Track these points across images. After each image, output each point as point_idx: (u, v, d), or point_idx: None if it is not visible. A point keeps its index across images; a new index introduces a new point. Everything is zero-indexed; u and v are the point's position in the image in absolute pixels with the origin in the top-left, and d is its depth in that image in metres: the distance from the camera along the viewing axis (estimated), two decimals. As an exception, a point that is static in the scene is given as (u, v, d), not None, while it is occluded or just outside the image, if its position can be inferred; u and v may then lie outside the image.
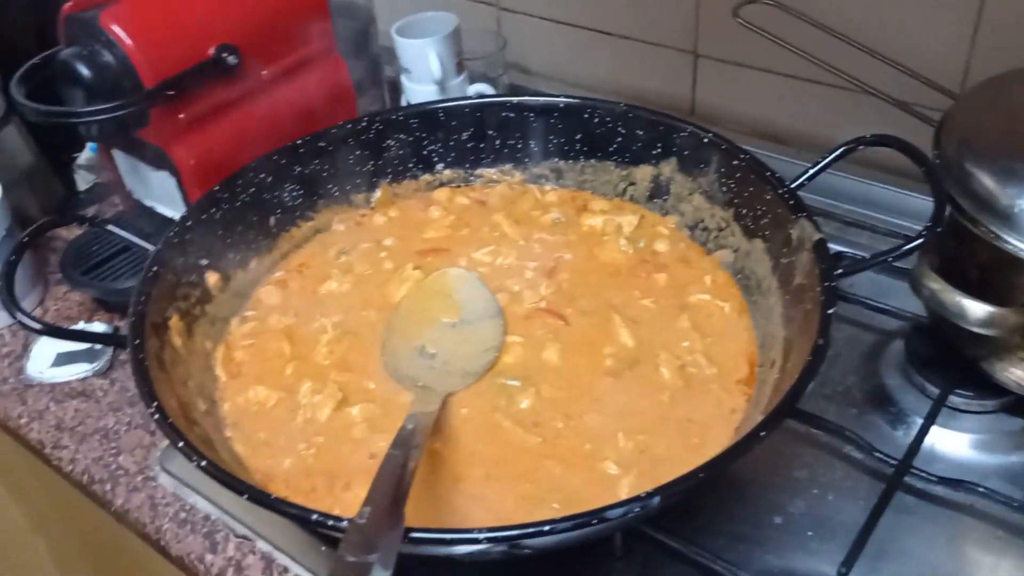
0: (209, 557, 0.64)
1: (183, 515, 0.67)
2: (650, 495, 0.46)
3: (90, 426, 0.75)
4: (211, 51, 0.75)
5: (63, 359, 0.81)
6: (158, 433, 0.74)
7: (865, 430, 0.65)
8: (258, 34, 0.79)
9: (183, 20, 0.75)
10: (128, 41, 0.71)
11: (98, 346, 0.81)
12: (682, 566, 0.59)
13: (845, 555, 0.57)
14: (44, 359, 0.81)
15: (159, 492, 0.69)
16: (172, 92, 0.74)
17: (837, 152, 0.63)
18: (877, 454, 0.63)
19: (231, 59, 0.76)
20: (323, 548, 0.63)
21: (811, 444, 0.67)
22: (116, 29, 0.71)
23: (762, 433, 0.49)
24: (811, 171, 0.64)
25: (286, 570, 0.63)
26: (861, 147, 0.63)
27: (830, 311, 0.54)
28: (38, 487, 0.95)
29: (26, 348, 0.83)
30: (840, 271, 0.57)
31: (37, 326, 0.55)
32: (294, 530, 0.64)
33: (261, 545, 0.64)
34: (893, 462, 0.62)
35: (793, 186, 0.64)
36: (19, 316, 0.55)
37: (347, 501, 0.56)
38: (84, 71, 0.71)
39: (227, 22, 0.77)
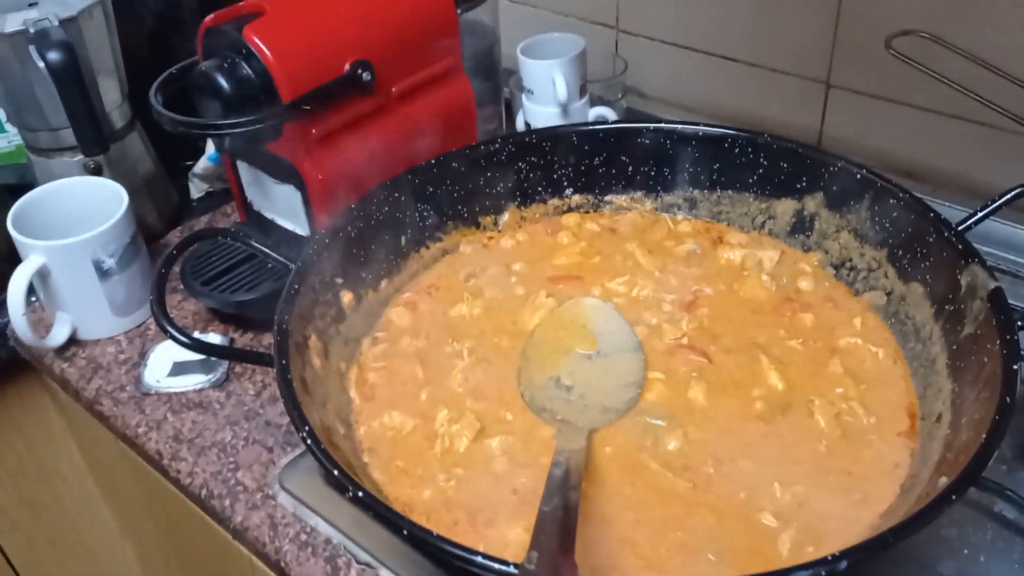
0: (331, 582, 0.63)
1: (304, 537, 0.66)
2: (837, 558, 0.43)
3: (208, 439, 0.74)
4: (347, 67, 0.75)
5: (179, 369, 0.81)
6: (276, 449, 0.73)
7: (1018, 489, 0.61)
8: (391, 51, 0.78)
9: (321, 35, 0.74)
10: (269, 55, 0.71)
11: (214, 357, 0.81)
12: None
13: (1013, 626, 0.54)
14: (161, 368, 0.81)
15: (279, 512, 0.68)
16: (308, 107, 0.73)
17: (1014, 192, 0.60)
18: (1040, 516, 0.59)
19: (366, 75, 0.75)
20: (450, 582, 0.61)
21: (959, 502, 0.63)
22: (258, 42, 0.71)
23: (953, 496, 0.46)
24: (980, 213, 0.61)
25: (410, 601, 0.61)
26: (1039, 190, 0.60)
27: (1015, 366, 0.51)
28: (133, 491, 0.95)
29: (143, 356, 0.83)
30: (1022, 323, 0.54)
31: (187, 341, 0.54)
32: (417, 559, 0.63)
33: (384, 574, 0.63)
34: (1057, 526, 0.58)
35: (960, 229, 0.61)
36: (171, 331, 0.54)
37: (491, 538, 0.55)
38: (223, 83, 0.71)
39: (363, 38, 0.76)
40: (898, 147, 0.89)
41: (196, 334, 0.84)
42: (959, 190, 0.85)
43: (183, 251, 0.60)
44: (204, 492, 0.71)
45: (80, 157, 0.89)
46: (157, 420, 0.77)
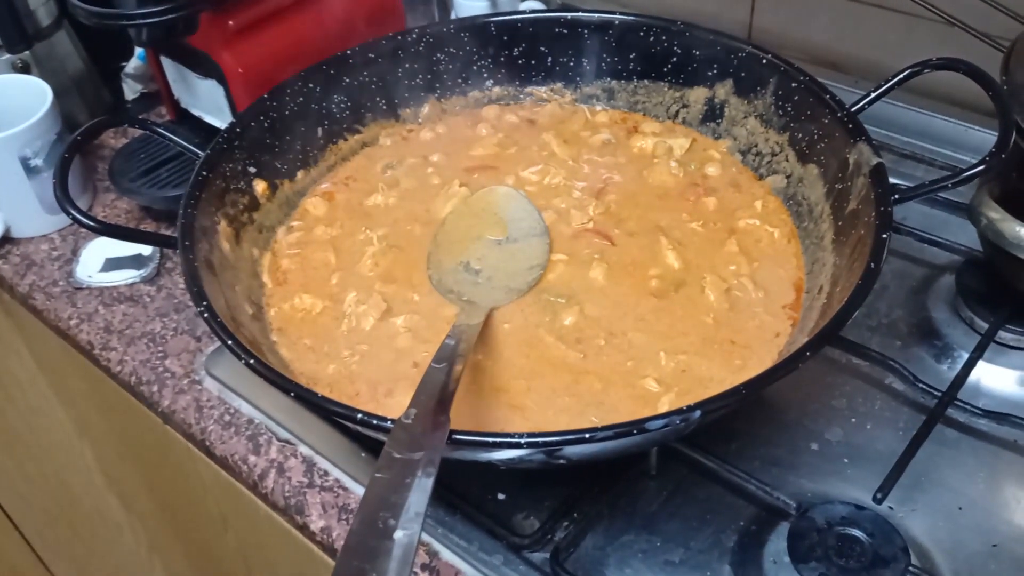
0: (252, 458, 0.66)
1: (227, 418, 0.69)
2: (691, 408, 0.46)
3: (137, 330, 0.77)
4: (261, -45, 0.74)
5: (111, 264, 0.82)
6: (203, 339, 0.75)
7: (908, 362, 0.64)
8: (310, -60, 0.78)
9: (235, -77, 0.74)
10: (179, -58, 0.70)
11: (145, 253, 0.82)
12: (715, 486, 0.60)
13: (882, 481, 0.57)
14: (93, 264, 0.82)
15: (204, 395, 0.71)
16: (221, -4, 0.73)
17: (901, 75, 0.61)
18: (921, 384, 0.62)
19: (281, -35, 0.75)
20: (363, 455, 0.64)
21: (851, 374, 0.66)
22: (168, -70, 0.70)
23: (807, 353, 0.48)
24: (872, 94, 0.62)
25: (327, 473, 0.64)
26: (927, 70, 0.61)
27: (884, 235, 0.53)
28: (85, 392, 0.98)
29: (75, 252, 0.84)
30: (897, 196, 0.56)
31: (92, 224, 0.56)
32: (335, 436, 0.66)
33: (303, 449, 0.66)
34: (937, 393, 0.61)
35: (853, 110, 0.62)
36: (73, 213, 0.55)
37: (390, 407, 0.57)
38: (133, -29, 0.71)
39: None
40: (822, 38, 0.89)
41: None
42: (879, 79, 0.86)
43: (88, 138, 0.60)
44: (133, 379, 0.74)
45: (7, 56, 0.88)
46: (88, 313, 0.79)
